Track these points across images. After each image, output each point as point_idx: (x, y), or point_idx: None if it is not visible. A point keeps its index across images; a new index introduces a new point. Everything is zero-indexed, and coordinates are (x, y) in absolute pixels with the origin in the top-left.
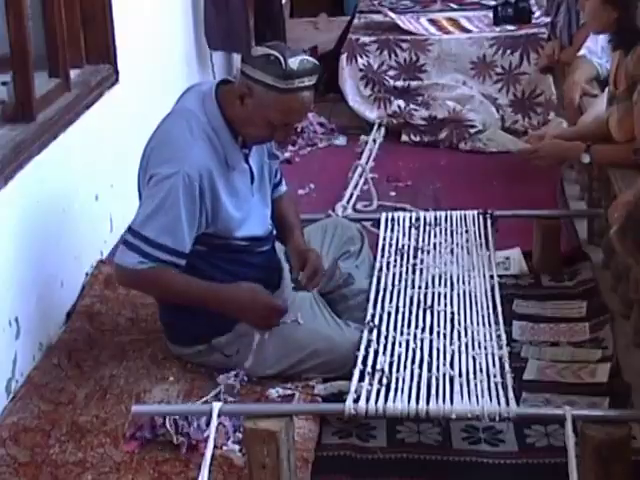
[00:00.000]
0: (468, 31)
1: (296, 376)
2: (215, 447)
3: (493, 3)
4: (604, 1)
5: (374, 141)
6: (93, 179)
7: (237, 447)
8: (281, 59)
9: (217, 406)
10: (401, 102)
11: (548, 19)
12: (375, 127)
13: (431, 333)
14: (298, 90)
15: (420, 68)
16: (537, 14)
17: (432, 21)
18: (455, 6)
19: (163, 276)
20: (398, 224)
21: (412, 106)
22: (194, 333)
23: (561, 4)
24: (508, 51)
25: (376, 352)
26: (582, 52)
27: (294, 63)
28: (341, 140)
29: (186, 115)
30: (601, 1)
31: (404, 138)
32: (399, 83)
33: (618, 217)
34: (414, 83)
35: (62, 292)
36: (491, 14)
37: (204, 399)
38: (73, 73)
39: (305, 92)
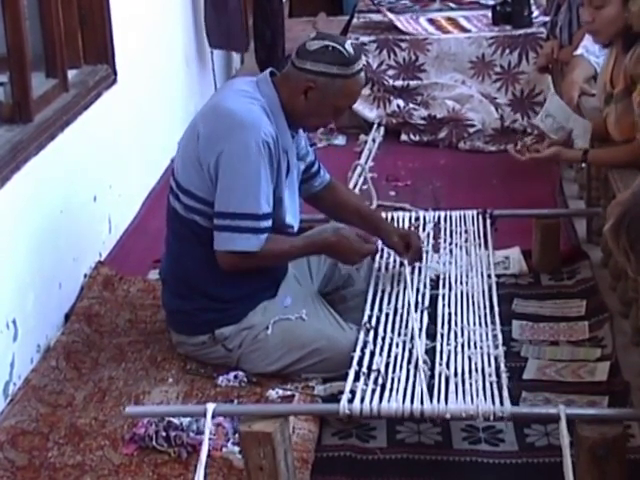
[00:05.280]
0: (467, 31)
1: (296, 376)
2: (214, 449)
3: (492, 3)
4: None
5: (373, 141)
6: (91, 180)
7: (237, 449)
8: (340, 47)
9: (211, 407)
10: (400, 102)
11: (547, 18)
12: (374, 127)
13: (428, 334)
14: (358, 72)
15: (419, 68)
16: (535, 13)
17: (431, 21)
18: (454, 6)
19: (274, 248)
20: (397, 224)
21: (411, 105)
22: (198, 321)
23: (562, 3)
24: (507, 50)
25: (372, 353)
26: (579, 51)
27: (350, 48)
28: (340, 140)
29: (243, 93)
30: (624, 6)
31: (403, 138)
32: (398, 82)
33: (612, 214)
34: (413, 83)
35: (60, 294)
36: (490, 13)
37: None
38: (71, 73)
39: (362, 72)
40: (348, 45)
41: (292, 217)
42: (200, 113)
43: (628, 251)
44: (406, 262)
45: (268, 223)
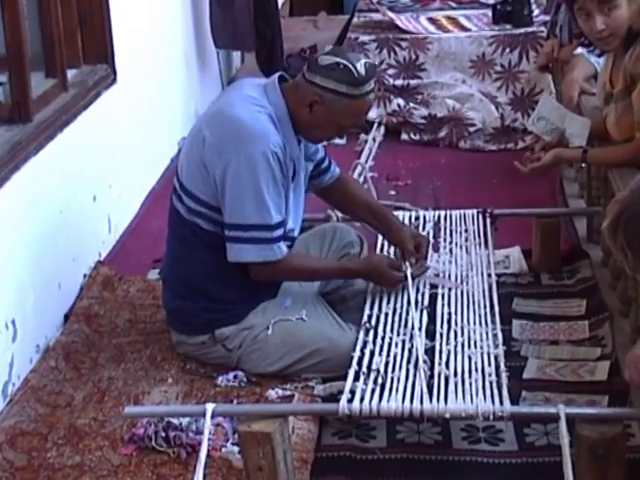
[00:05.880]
0: (467, 30)
1: (296, 376)
2: (214, 449)
3: (492, 1)
4: None
5: (374, 140)
6: (91, 180)
7: (236, 449)
8: (351, 67)
9: (210, 407)
10: (401, 101)
11: (547, 17)
12: (375, 126)
13: (427, 334)
14: (368, 94)
15: (419, 67)
16: (536, 12)
17: (431, 20)
18: (454, 4)
19: (299, 263)
20: None
21: (412, 105)
22: (199, 321)
23: (561, 2)
24: (507, 49)
25: (372, 353)
26: (580, 50)
27: (362, 68)
28: (340, 139)
29: (250, 101)
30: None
31: (404, 137)
32: (399, 82)
33: (610, 212)
34: (413, 82)
35: (60, 294)
36: (490, 12)
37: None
38: (70, 73)
39: (372, 94)
40: (360, 65)
41: (294, 222)
42: (206, 116)
43: (625, 249)
44: (407, 263)
45: (281, 231)
